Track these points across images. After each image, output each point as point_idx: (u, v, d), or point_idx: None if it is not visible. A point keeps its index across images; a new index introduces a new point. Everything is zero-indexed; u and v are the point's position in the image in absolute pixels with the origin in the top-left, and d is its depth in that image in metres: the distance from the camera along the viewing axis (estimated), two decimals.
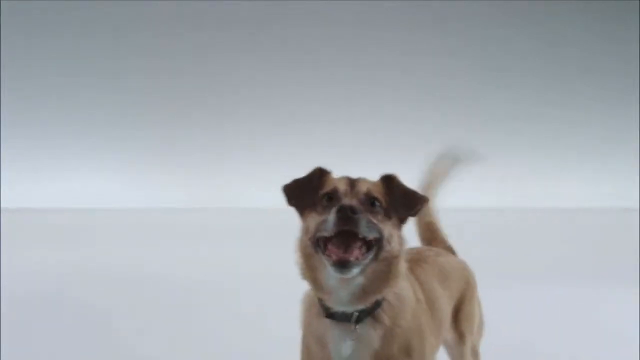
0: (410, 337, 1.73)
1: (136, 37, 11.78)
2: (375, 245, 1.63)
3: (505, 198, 11.45)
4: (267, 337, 3.66)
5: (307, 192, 1.76)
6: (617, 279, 5.47)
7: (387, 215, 1.69)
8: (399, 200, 1.72)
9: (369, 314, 1.69)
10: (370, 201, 1.69)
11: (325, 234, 1.61)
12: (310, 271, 1.70)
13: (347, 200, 1.65)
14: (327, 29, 12.00)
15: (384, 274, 1.67)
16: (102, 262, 6.47)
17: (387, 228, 1.67)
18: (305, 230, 1.71)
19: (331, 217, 1.59)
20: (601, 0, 12.15)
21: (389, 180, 1.78)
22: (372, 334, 1.69)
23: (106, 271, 5.95)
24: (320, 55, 12.05)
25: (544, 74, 12.44)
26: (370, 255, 1.63)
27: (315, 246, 1.66)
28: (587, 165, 12.27)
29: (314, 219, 1.69)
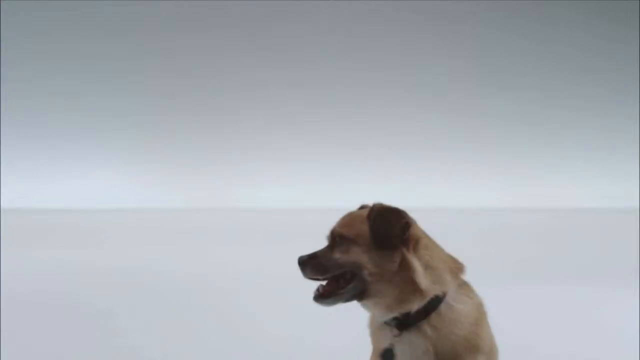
0: (458, 348, 1.76)
1: (136, 37, 11.78)
2: (350, 275, 1.77)
3: (505, 198, 11.45)
4: (267, 337, 3.66)
5: None
6: (617, 279, 5.47)
7: (358, 244, 1.77)
8: (374, 225, 1.79)
9: (414, 323, 1.76)
10: (335, 239, 1.82)
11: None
12: None
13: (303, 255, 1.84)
14: (327, 29, 12.00)
15: (389, 292, 1.76)
16: (102, 262, 6.48)
17: (352, 256, 1.77)
18: None
19: None
20: (601, 0, 12.15)
21: (370, 209, 1.84)
22: (415, 342, 1.76)
23: (106, 271, 5.96)
24: (321, 55, 12.05)
25: (543, 74, 12.44)
26: (351, 285, 1.77)
27: None
28: (587, 165, 12.26)
29: None
